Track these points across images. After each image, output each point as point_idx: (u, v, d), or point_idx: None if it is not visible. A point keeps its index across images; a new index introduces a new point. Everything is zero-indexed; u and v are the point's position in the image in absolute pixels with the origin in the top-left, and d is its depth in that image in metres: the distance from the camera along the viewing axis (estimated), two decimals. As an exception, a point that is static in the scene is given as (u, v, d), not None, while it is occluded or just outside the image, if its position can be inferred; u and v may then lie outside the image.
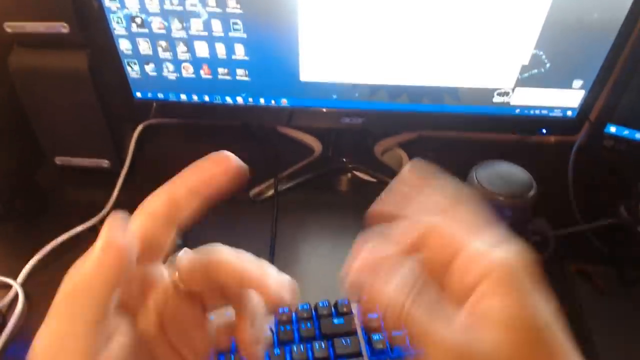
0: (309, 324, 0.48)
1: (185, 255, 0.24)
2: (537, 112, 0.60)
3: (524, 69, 0.56)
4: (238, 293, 0.24)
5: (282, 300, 0.23)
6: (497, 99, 0.59)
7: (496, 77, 0.57)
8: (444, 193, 0.26)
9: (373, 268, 0.25)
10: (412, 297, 0.22)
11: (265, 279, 0.23)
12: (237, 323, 0.24)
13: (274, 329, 0.48)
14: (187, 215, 0.24)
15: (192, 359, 0.24)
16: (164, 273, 0.24)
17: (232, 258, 0.24)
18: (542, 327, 0.21)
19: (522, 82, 0.57)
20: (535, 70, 0.56)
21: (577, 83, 0.57)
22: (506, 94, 0.58)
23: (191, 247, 0.56)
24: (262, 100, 0.61)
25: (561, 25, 0.52)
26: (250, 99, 0.61)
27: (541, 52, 0.54)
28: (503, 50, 0.54)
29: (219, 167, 0.25)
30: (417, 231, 0.25)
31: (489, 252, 0.23)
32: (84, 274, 0.20)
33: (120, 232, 0.21)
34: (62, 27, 0.55)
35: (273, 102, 0.61)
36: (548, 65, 0.55)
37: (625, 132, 0.61)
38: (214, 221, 0.64)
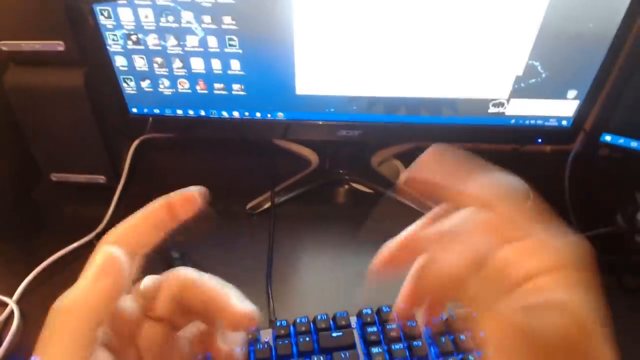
0: (307, 338, 0.47)
1: (150, 284, 0.24)
2: (533, 122, 0.61)
3: (518, 79, 0.56)
4: (206, 312, 0.24)
5: (242, 325, 0.24)
6: (492, 110, 0.59)
7: (491, 88, 0.57)
8: (498, 179, 0.26)
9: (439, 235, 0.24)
10: (476, 269, 0.22)
11: (228, 304, 0.24)
12: (209, 338, 0.25)
13: (247, 345, 0.47)
14: (150, 247, 0.25)
15: None
16: (131, 304, 0.24)
17: (197, 281, 0.24)
18: (596, 327, 0.21)
19: (517, 93, 0.57)
20: (530, 81, 0.56)
21: (572, 93, 0.58)
22: (501, 104, 0.59)
23: (193, 261, 0.56)
24: (258, 114, 0.61)
25: (555, 36, 0.52)
26: (247, 113, 0.61)
27: (535, 63, 0.55)
28: (497, 61, 0.55)
29: (186, 205, 0.26)
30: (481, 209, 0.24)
31: (554, 243, 0.22)
32: (75, 301, 0.21)
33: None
34: (58, 45, 0.55)
35: (269, 115, 0.61)
36: (542, 75, 0.56)
37: (621, 140, 0.61)
38: (211, 234, 0.65)
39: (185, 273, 0.25)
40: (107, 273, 0.22)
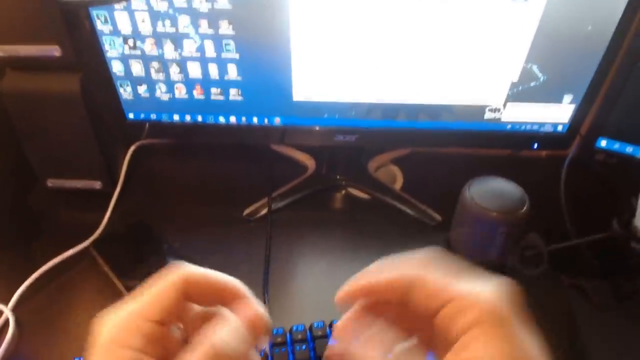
0: (303, 346, 0.47)
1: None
2: (528, 127, 0.61)
3: (514, 85, 0.56)
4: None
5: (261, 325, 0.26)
6: (488, 115, 0.59)
7: (487, 94, 0.58)
8: (416, 258, 0.27)
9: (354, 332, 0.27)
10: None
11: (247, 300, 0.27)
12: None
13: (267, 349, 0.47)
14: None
15: None
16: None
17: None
18: None
19: (512, 98, 0.58)
20: (526, 86, 0.56)
21: (567, 98, 0.58)
22: (497, 110, 0.59)
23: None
24: (255, 120, 0.61)
25: (550, 42, 0.52)
26: (244, 119, 0.61)
27: (531, 69, 0.55)
28: (493, 67, 0.55)
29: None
30: (402, 281, 0.26)
31: (473, 295, 0.24)
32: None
33: None
34: (55, 50, 0.55)
35: (266, 121, 0.61)
36: (538, 81, 0.56)
37: (616, 145, 0.61)
38: (208, 241, 0.65)
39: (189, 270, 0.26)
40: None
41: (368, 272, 0.28)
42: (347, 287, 0.28)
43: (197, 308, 0.27)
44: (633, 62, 0.56)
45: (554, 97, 0.58)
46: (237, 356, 0.24)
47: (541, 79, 0.56)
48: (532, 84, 0.56)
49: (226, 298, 0.27)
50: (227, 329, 0.24)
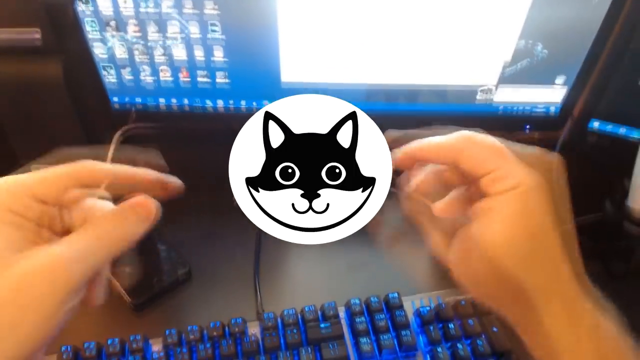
0: (295, 330, 0.47)
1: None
2: (521, 109, 0.60)
3: (506, 65, 0.55)
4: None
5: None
6: (480, 97, 0.59)
7: (479, 75, 0.57)
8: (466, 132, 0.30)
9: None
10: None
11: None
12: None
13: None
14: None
15: None
16: None
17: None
18: (544, 231, 0.27)
19: (504, 80, 0.57)
20: (518, 67, 0.56)
21: (560, 79, 0.57)
22: (489, 91, 0.58)
23: (180, 254, 0.55)
24: (243, 104, 0.60)
25: (543, 22, 0.52)
26: (231, 102, 0.60)
27: (524, 49, 0.54)
28: (485, 48, 0.54)
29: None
30: (456, 144, 0.29)
31: (514, 168, 0.27)
32: None
33: None
34: (35, 33, 0.54)
35: (254, 104, 0.60)
36: (530, 62, 0.55)
37: (609, 127, 0.61)
38: (198, 228, 0.64)
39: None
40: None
41: (422, 138, 0.31)
42: (404, 148, 0.31)
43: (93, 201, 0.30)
44: (625, 43, 0.55)
45: (547, 79, 0.57)
46: (116, 237, 0.27)
47: (534, 60, 0.55)
48: (525, 64, 0.55)
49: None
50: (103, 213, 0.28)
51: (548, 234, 0.27)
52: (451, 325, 0.48)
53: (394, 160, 0.31)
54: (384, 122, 0.63)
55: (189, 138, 0.77)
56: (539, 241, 0.27)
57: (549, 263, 0.27)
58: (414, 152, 0.30)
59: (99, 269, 0.27)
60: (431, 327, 0.48)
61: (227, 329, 0.47)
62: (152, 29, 0.52)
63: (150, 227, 0.28)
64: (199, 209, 0.66)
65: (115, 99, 0.59)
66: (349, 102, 0.59)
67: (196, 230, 0.63)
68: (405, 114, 0.61)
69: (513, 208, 0.27)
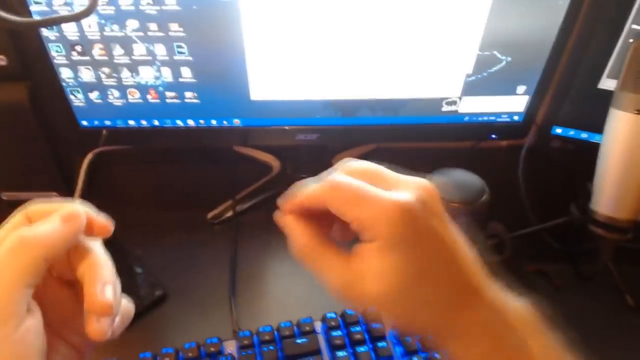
0: (271, 347, 0.47)
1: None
2: (485, 118, 0.62)
3: (468, 77, 0.57)
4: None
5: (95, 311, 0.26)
6: (445, 108, 0.60)
7: (443, 87, 0.58)
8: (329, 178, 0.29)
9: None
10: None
11: (93, 285, 0.26)
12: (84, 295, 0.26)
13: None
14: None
15: (78, 344, 0.29)
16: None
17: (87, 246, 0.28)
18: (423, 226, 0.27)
19: (468, 91, 0.58)
20: (480, 78, 0.57)
21: (521, 89, 0.59)
22: (454, 102, 0.60)
23: (152, 272, 0.54)
24: (214, 122, 0.60)
25: (501, 33, 0.53)
26: (202, 121, 0.60)
27: (484, 60, 0.56)
28: (447, 60, 0.55)
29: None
30: (319, 197, 0.28)
31: (375, 213, 0.26)
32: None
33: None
34: (1, 60, 0.53)
35: (225, 122, 0.60)
36: (492, 72, 0.57)
37: (571, 132, 0.63)
38: (173, 247, 0.63)
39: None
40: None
41: (295, 193, 0.30)
42: (285, 208, 0.31)
43: None
44: (583, 49, 0.57)
45: (508, 89, 0.59)
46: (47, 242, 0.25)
47: (495, 71, 0.57)
48: (486, 75, 0.57)
49: None
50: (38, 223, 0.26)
51: (422, 275, 0.26)
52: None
53: (284, 222, 0.31)
54: (354, 135, 0.64)
55: (161, 157, 0.77)
56: (415, 287, 0.26)
57: (436, 305, 0.27)
58: (293, 206, 0.30)
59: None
60: (407, 338, 0.48)
61: (202, 349, 0.47)
62: (118, 52, 0.52)
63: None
64: (172, 228, 0.66)
65: (84, 122, 0.59)
66: (318, 117, 0.60)
67: (171, 250, 0.63)
68: (374, 128, 0.62)
69: (378, 263, 0.26)
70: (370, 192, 0.27)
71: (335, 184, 0.28)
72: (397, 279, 0.26)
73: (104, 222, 0.29)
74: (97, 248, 0.28)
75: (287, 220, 0.30)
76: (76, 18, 0.47)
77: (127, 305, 0.30)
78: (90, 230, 0.28)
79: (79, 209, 0.27)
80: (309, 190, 0.29)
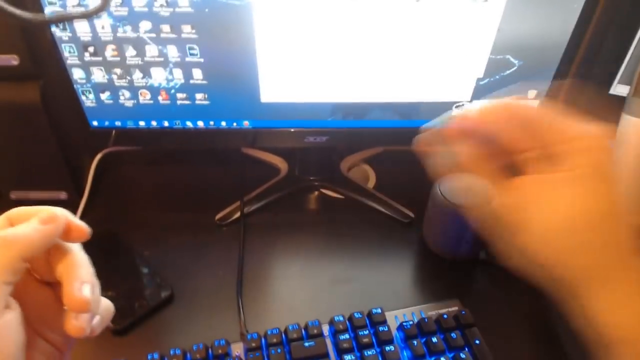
0: (279, 349, 0.47)
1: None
2: (495, 122, 0.61)
3: (479, 81, 0.57)
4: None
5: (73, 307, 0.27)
6: (456, 112, 0.60)
7: (453, 91, 0.58)
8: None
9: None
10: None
11: (70, 283, 0.27)
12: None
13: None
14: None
15: (59, 343, 0.30)
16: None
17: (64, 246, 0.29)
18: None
19: (478, 95, 0.58)
20: (491, 82, 0.57)
21: (532, 93, 0.59)
22: (464, 106, 0.59)
23: (163, 276, 0.54)
24: (223, 124, 0.60)
25: (513, 36, 0.53)
26: (212, 123, 0.60)
27: (495, 64, 0.56)
28: (458, 64, 0.55)
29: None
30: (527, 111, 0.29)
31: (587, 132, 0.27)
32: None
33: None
34: (13, 60, 0.54)
35: (235, 124, 0.60)
36: (503, 76, 0.57)
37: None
38: (180, 248, 0.63)
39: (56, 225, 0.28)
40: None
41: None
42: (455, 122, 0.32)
43: None
44: (595, 54, 0.57)
45: (519, 93, 0.59)
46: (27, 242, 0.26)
47: (506, 75, 0.56)
48: (497, 79, 0.57)
49: None
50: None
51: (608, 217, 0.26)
52: (434, 339, 0.48)
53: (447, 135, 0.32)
54: (363, 138, 0.65)
55: (170, 158, 0.77)
56: (601, 224, 0.26)
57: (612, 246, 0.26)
58: (461, 123, 0.31)
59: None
60: (415, 341, 0.48)
61: (210, 350, 0.47)
62: (130, 53, 0.52)
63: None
64: (180, 229, 0.66)
65: (95, 122, 0.59)
66: (328, 120, 0.60)
67: (179, 251, 0.63)
68: (383, 131, 0.62)
69: (555, 194, 0.26)
70: (565, 121, 0.28)
71: (522, 107, 0.28)
72: (574, 211, 0.26)
73: (82, 226, 0.30)
74: (75, 249, 0.29)
75: (452, 133, 0.31)
76: (87, 15, 0.47)
77: (107, 304, 0.32)
78: (68, 234, 0.29)
79: (57, 212, 0.28)
80: (485, 108, 0.30)
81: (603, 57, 0.56)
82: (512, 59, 0.55)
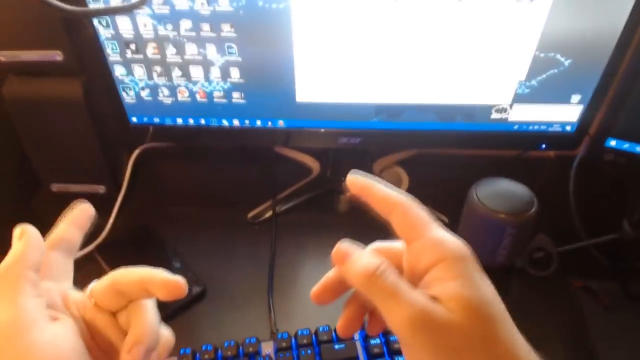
0: (309, 351, 0.47)
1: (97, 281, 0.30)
2: (536, 127, 0.60)
3: (521, 84, 0.55)
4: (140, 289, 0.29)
5: (174, 291, 0.28)
6: (495, 115, 0.59)
7: (493, 94, 0.57)
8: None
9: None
10: (385, 264, 0.26)
11: (159, 276, 0.28)
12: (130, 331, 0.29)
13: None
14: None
15: None
16: (75, 292, 0.31)
17: (132, 268, 0.29)
18: (489, 304, 0.24)
19: (519, 98, 0.57)
20: (533, 86, 0.56)
21: (576, 98, 0.57)
22: (504, 110, 0.58)
23: (191, 268, 0.55)
24: (258, 122, 0.60)
25: (558, 39, 0.52)
26: (247, 121, 0.60)
27: (538, 68, 0.54)
28: (499, 67, 0.54)
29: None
30: (389, 199, 0.29)
31: (444, 240, 0.26)
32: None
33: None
34: (57, 55, 0.55)
35: (270, 123, 0.60)
36: (546, 79, 0.55)
37: (625, 145, 0.60)
38: (212, 244, 0.64)
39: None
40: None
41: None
42: (361, 178, 0.32)
43: None
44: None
45: (563, 97, 0.57)
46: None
47: (549, 78, 0.55)
48: (540, 83, 0.55)
49: None
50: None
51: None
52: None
53: (350, 180, 0.32)
54: (397, 140, 0.64)
55: (204, 155, 0.78)
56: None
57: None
58: (365, 186, 0.31)
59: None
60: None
61: (241, 348, 0.47)
62: (170, 51, 0.53)
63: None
64: (213, 226, 0.67)
65: (134, 118, 0.60)
66: (362, 121, 0.59)
67: (211, 247, 0.64)
68: (419, 133, 0.61)
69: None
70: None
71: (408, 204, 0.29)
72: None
73: (174, 282, 0.30)
74: (149, 307, 0.30)
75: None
76: (130, 8, 0.48)
77: (166, 338, 0.31)
78: (161, 290, 0.29)
79: (21, 227, 0.30)
80: (384, 189, 0.30)
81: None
82: (555, 63, 0.53)
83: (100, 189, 0.67)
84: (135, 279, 0.28)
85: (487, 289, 0.25)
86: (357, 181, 0.31)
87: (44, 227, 0.32)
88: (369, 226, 0.66)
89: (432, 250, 0.26)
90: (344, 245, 0.29)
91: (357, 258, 0.27)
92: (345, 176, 0.33)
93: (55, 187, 0.67)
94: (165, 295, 0.28)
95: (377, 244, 0.31)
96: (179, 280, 0.28)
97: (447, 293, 0.24)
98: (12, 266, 0.27)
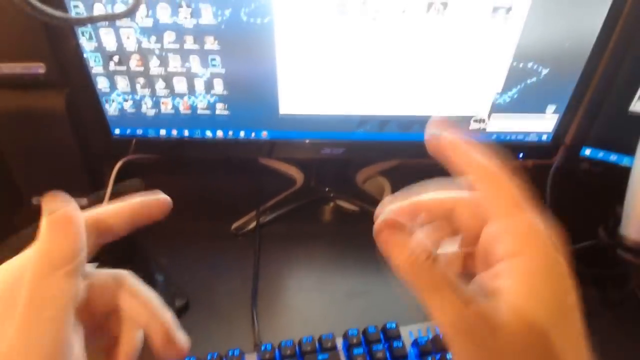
0: (293, 361, 0.47)
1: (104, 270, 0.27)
2: (513, 137, 0.61)
3: (497, 95, 0.57)
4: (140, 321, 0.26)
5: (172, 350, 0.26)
6: (473, 126, 0.60)
7: (472, 105, 0.58)
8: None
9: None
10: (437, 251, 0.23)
11: (168, 324, 0.26)
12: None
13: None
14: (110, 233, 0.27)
15: None
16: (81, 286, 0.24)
17: (142, 286, 0.27)
18: (558, 335, 0.21)
19: (497, 108, 0.58)
20: (509, 97, 0.57)
21: (551, 108, 0.59)
22: (482, 120, 0.59)
23: (174, 281, 0.54)
24: (242, 134, 0.61)
25: (533, 51, 0.53)
26: (231, 133, 0.61)
27: (514, 79, 0.56)
28: (477, 79, 0.55)
29: (157, 206, 0.28)
30: (447, 200, 0.26)
31: (537, 231, 0.22)
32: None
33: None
34: (39, 67, 0.55)
35: (253, 135, 0.61)
36: (521, 91, 0.57)
37: (600, 154, 0.62)
38: (196, 256, 0.64)
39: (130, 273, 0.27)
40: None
41: (411, 192, 0.27)
42: (394, 206, 0.26)
43: None
44: (615, 70, 0.57)
45: (538, 108, 0.59)
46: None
47: (524, 89, 0.56)
48: (516, 94, 0.57)
49: None
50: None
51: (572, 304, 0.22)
52: (449, 356, 0.48)
53: (376, 227, 0.26)
54: (379, 151, 0.65)
55: (188, 167, 0.78)
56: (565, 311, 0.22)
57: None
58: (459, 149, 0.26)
59: None
60: (429, 358, 0.48)
61: (224, 360, 0.47)
62: (154, 63, 0.53)
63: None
64: (196, 238, 0.66)
65: (117, 130, 0.60)
66: (345, 132, 0.60)
67: (194, 259, 0.63)
68: (400, 144, 0.62)
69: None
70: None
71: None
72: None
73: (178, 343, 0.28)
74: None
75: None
76: (113, 18, 0.48)
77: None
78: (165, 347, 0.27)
79: (64, 209, 0.25)
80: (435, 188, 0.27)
81: (623, 73, 0.56)
82: (530, 74, 0.55)
83: (83, 202, 0.67)
84: (140, 302, 0.26)
85: (569, 313, 0.22)
86: (452, 142, 0.26)
87: (26, 244, 0.31)
88: (352, 236, 0.67)
89: (519, 238, 0.22)
90: (388, 220, 0.25)
91: (403, 242, 0.24)
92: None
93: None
94: (159, 214, 0.27)
95: (431, 196, 0.27)
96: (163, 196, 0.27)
97: (512, 302, 0.21)
98: (56, 269, 0.22)
